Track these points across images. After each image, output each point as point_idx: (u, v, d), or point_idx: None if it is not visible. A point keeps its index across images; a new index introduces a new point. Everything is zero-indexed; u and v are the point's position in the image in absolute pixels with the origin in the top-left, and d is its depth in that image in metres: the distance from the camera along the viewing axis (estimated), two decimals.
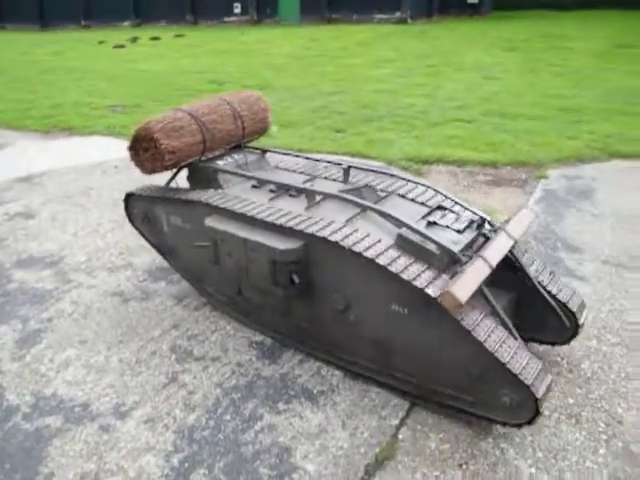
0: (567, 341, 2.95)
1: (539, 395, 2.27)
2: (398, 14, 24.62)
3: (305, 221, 2.75)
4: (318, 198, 3.02)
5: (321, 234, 2.62)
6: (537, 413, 2.32)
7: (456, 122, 7.74)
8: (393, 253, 2.52)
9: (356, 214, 2.87)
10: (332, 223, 2.72)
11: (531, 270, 2.85)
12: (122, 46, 20.10)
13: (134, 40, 21.89)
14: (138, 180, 4.39)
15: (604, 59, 13.03)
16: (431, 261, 2.50)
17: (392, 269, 2.43)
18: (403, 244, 2.57)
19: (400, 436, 2.55)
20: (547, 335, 2.96)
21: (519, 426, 2.43)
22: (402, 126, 7.64)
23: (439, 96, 9.42)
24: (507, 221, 2.84)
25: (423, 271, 2.45)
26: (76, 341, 3.29)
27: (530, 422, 2.37)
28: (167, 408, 2.75)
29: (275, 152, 3.79)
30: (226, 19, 27.69)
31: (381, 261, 2.46)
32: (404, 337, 2.59)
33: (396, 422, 2.63)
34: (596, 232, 4.47)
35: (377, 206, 2.86)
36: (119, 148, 6.84)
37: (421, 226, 2.64)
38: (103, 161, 6.69)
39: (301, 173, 3.54)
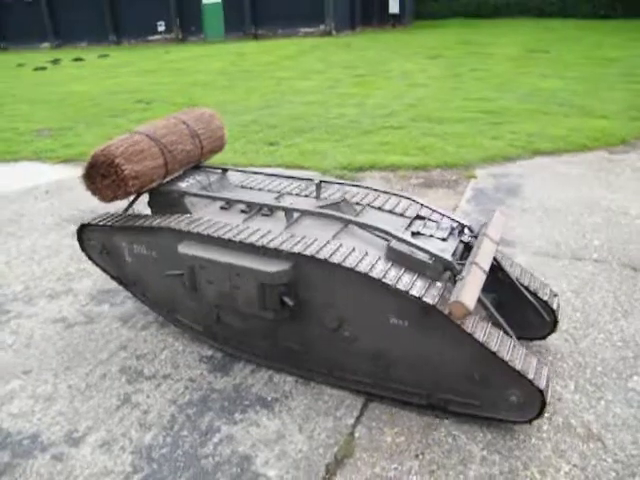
0: (546, 336, 3.08)
1: (543, 388, 2.38)
2: (322, 27, 25.05)
3: (291, 241, 2.68)
4: (296, 215, 2.96)
5: (314, 254, 2.55)
6: (544, 406, 2.43)
7: (386, 129, 7.97)
8: (388, 267, 2.53)
9: (340, 229, 2.85)
10: (321, 241, 2.67)
11: (511, 271, 2.95)
12: (44, 68, 19.55)
13: (56, 62, 21.33)
14: (71, 204, 4.32)
15: (520, 63, 13.71)
16: (424, 271, 2.53)
17: (391, 283, 2.43)
18: (394, 256, 2.59)
19: (356, 434, 2.63)
20: (528, 331, 3.04)
21: (528, 422, 2.53)
22: (334, 136, 7.80)
23: (368, 105, 9.67)
24: (484, 225, 2.92)
25: (421, 282, 2.48)
26: (19, 372, 3.21)
27: (538, 416, 2.47)
28: (122, 430, 2.73)
29: (236, 170, 3.71)
30: (150, 38, 27.39)
31: (379, 276, 2.45)
32: (405, 349, 2.60)
33: (351, 421, 2.71)
34: (526, 226, 4.72)
35: (362, 220, 2.85)
36: (49, 173, 6.71)
37: (407, 237, 2.66)
38: (33, 187, 6.51)
39: (268, 191, 3.43)
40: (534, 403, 2.44)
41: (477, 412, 2.61)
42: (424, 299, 2.38)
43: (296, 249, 2.60)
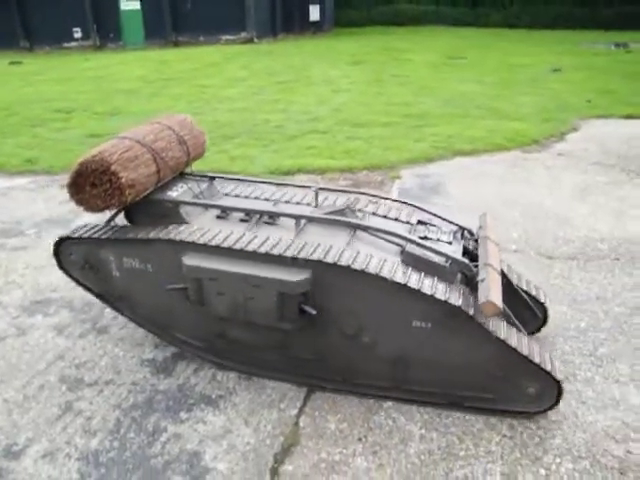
0: (538, 330, 3.24)
1: (560, 379, 2.55)
2: (244, 34, 25.06)
3: (309, 248, 2.63)
4: (302, 223, 2.90)
5: (338, 261, 2.54)
6: (560, 395, 2.59)
7: (312, 134, 8.14)
8: (409, 271, 2.57)
9: (351, 236, 2.83)
10: (338, 248, 2.65)
11: (507, 272, 3.04)
12: None
13: None
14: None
15: (439, 69, 14.28)
16: (441, 274, 2.60)
17: (417, 287, 2.47)
18: (411, 260, 2.63)
19: (301, 424, 2.74)
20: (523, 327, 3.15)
21: (544, 412, 2.69)
22: (261, 141, 7.89)
23: (293, 110, 9.81)
24: (480, 228, 3.04)
25: (442, 285, 2.54)
26: None
27: (554, 405, 2.64)
28: (66, 438, 2.71)
29: (223, 178, 3.58)
30: (66, 45, 26.45)
31: (405, 281, 2.49)
32: (427, 350, 2.65)
33: (295, 412, 2.82)
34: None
35: (375, 225, 2.86)
36: None
37: (422, 241, 2.70)
38: None
39: (264, 199, 3.30)
40: (551, 393, 2.61)
41: (496, 406, 2.72)
42: (450, 301, 2.45)
43: (317, 257, 2.56)
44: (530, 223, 4.90)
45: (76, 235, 3.14)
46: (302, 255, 2.58)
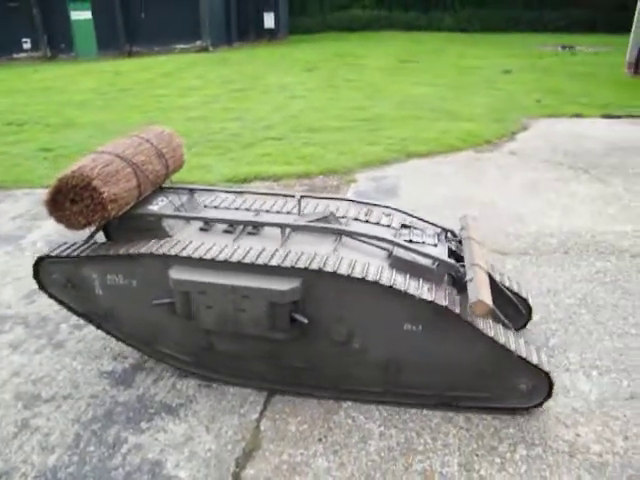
0: (524, 326, 3.30)
1: (548, 370, 2.59)
2: (199, 43, 24.94)
3: (297, 257, 2.63)
4: (287, 231, 2.89)
5: (330, 268, 2.54)
6: (551, 388, 2.64)
7: (268, 141, 8.17)
8: (398, 274, 2.59)
9: (337, 243, 2.83)
10: (325, 255, 2.65)
11: (492, 272, 3.07)
12: None
13: None
14: None
15: (393, 73, 14.50)
16: (429, 276, 2.63)
17: (408, 290, 2.49)
18: (399, 264, 2.65)
19: (262, 427, 2.76)
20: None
21: (537, 406, 2.74)
22: (217, 150, 7.87)
23: (249, 118, 9.82)
24: (463, 229, 3.08)
25: (431, 286, 2.57)
26: None
27: (547, 398, 2.69)
28: (22, 456, 2.66)
29: (203, 189, 3.55)
30: (15, 56, 25.84)
31: (393, 284, 2.50)
32: (418, 353, 2.67)
33: (256, 416, 2.83)
34: None
35: (361, 231, 2.87)
36: None
37: (410, 245, 2.73)
38: None
39: (245, 210, 3.28)
40: (542, 387, 2.65)
41: (488, 404, 2.76)
42: (438, 302, 2.48)
43: (304, 264, 2.56)
44: (483, 221, 5.03)
45: (55, 254, 3.03)
46: (290, 263, 2.57)
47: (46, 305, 3.90)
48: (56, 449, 2.69)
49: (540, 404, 2.73)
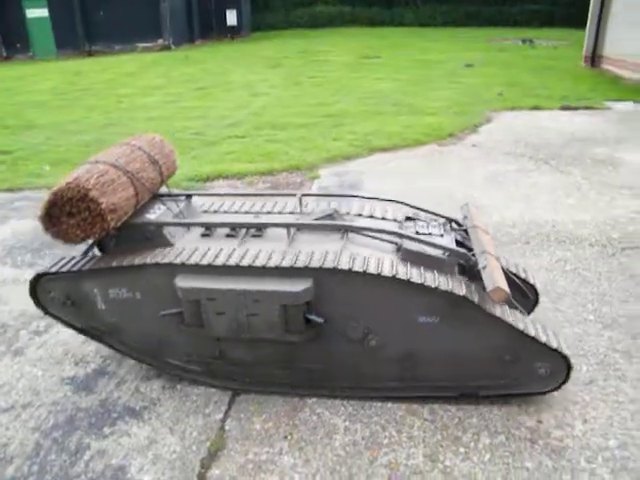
0: (531, 310, 3.22)
1: (567, 354, 2.59)
2: (161, 41, 24.65)
3: (308, 256, 2.58)
4: (293, 231, 2.85)
5: (339, 266, 2.50)
6: (569, 371, 2.64)
7: (231, 139, 8.11)
8: (410, 267, 2.55)
9: (344, 240, 2.78)
10: (335, 253, 2.61)
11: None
12: None
13: None
14: None
15: (355, 69, 14.54)
16: (441, 266, 2.60)
17: (424, 283, 2.46)
18: (410, 257, 2.61)
19: (227, 427, 2.74)
20: None
21: (554, 390, 2.73)
22: (180, 149, 7.67)
23: (212, 116, 9.74)
24: (465, 218, 3.05)
25: (444, 277, 2.53)
26: None
27: (565, 381, 2.68)
28: None
29: (199, 194, 3.50)
30: None
31: (405, 277, 2.47)
32: (436, 345, 2.64)
33: (220, 416, 2.81)
34: None
35: (367, 225, 2.83)
36: None
37: (419, 236, 2.69)
38: None
39: (245, 212, 3.23)
40: (561, 370, 2.65)
41: (508, 391, 2.75)
42: (455, 292, 2.46)
43: (317, 264, 2.52)
44: (446, 213, 5.07)
45: (53, 270, 2.92)
46: (301, 264, 2.53)
47: (6, 312, 3.82)
48: (15, 459, 2.62)
49: (558, 387, 2.73)
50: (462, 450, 2.55)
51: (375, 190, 5.74)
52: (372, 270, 2.49)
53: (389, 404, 2.83)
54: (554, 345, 2.59)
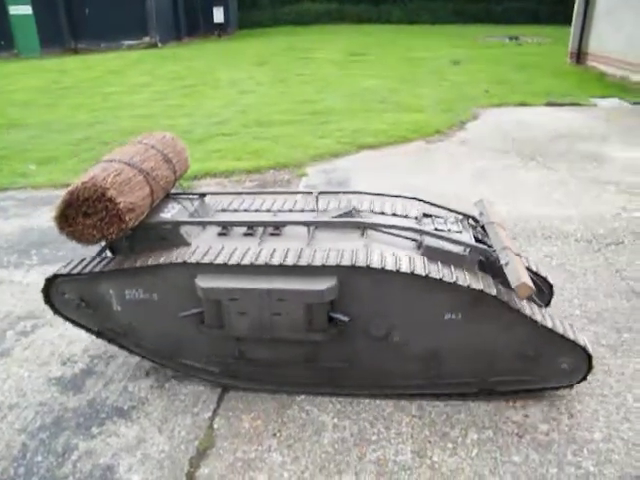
0: (547, 305, 3.22)
1: (590, 351, 2.61)
2: (147, 39, 24.46)
3: (333, 255, 2.55)
4: (312, 229, 2.81)
5: (366, 264, 2.48)
6: (590, 367, 2.66)
7: (218, 136, 8.08)
8: (435, 264, 2.54)
9: (366, 237, 2.76)
10: (361, 250, 2.59)
11: None
12: None
13: None
14: None
15: (342, 66, 14.53)
16: (463, 263, 2.60)
17: (451, 280, 2.45)
18: (432, 254, 2.60)
19: (215, 425, 2.74)
20: None
21: (572, 386, 2.75)
22: None
23: (199, 114, 9.70)
24: (481, 214, 3.04)
25: (469, 274, 2.53)
26: None
27: (585, 377, 2.70)
28: None
29: (213, 193, 3.44)
30: None
31: (438, 275, 2.46)
32: (459, 342, 2.64)
33: (209, 414, 2.81)
34: None
35: (387, 222, 2.82)
36: None
37: (441, 233, 2.68)
38: None
39: (257, 211, 3.18)
40: (582, 365, 2.67)
41: (529, 387, 2.76)
42: (484, 289, 2.46)
43: (346, 262, 2.49)
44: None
45: (68, 272, 2.86)
46: (330, 262, 2.50)
47: None
48: (1, 462, 2.60)
49: (580, 381, 2.75)
50: (450, 446, 2.56)
51: (363, 187, 5.75)
52: (402, 268, 2.47)
53: (377, 401, 2.84)
54: (580, 342, 2.62)
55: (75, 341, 3.43)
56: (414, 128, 8.04)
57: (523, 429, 2.63)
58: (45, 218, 5.31)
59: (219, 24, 27.91)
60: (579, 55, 13.37)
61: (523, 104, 9.63)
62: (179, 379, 3.06)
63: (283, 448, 2.59)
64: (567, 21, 14.38)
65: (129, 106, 10.92)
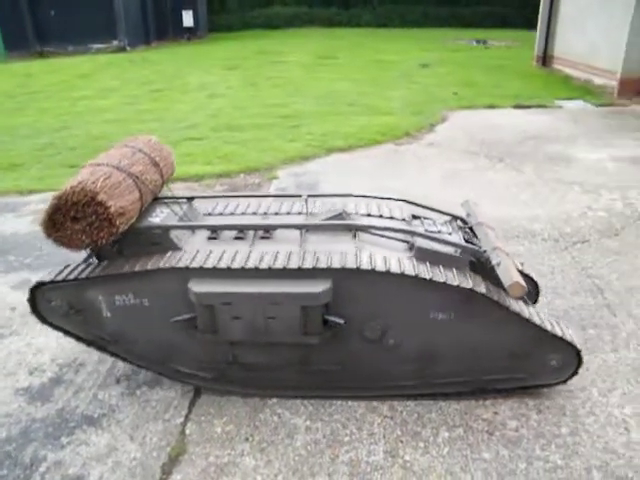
0: (534, 303, 3.25)
1: (579, 348, 2.65)
2: (115, 43, 24.17)
3: (326, 257, 2.56)
4: (303, 232, 2.82)
5: (356, 266, 2.49)
6: (580, 362, 2.71)
7: (188, 141, 8.01)
8: (427, 266, 2.56)
9: (357, 239, 2.77)
10: (352, 252, 2.60)
11: None
12: None
13: None
14: None
15: (312, 69, 14.55)
16: (455, 264, 2.62)
17: (445, 281, 2.47)
18: (424, 255, 2.62)
19: (187, 431, 2.72)
20: None
21: (564, 382, 2.80)
22: None
23: (169, 119, 9.61)
24: (469, 215, 3.06)
25: (460, 274, 2.56)
26: None
27: (575, 372, 2.75)
28: None
29: (201, 197, 3.38)
30: None
31: (428, 275, 2.48)
32: (452, 341, 2.66)
33: (181, 420, 2.79)
34: None
35: (378, 224, 2.84)
36: None
37: (432, 234, 2.70)
38: None
39: (252, 214, 3.14)
40: (572, 362, 2.72)
41: (520, 385, 2.80)
42: (475, 289, 2.48)
43: (339, 264, 2.51)
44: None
45: (55, 279, 2.80)
46: (324, 264, 2.51)
47: None
48: None
49: (570, 378, 2.81)
50: (422, 445, 2.59)
51: (333, 190, 5.78)
52: (395, 269, 2.50)
53: (349, 402, 2.86)
54: (568, 339, 2.67)
55: (43, 350, 3.37)
56: (384, 131, 8.10)
57: (493, 426, 2.67)
58: (10, 225, 5.22)
59: (188, 28, 27.71)
60: (545, 58, 13.61)
61: (491, 106, 9.77)
62: (150, 385, 3.03)
63: (256, 452, 2.58)
64: (533, 25, 14.62)
65: (98, 111, 10.78)
